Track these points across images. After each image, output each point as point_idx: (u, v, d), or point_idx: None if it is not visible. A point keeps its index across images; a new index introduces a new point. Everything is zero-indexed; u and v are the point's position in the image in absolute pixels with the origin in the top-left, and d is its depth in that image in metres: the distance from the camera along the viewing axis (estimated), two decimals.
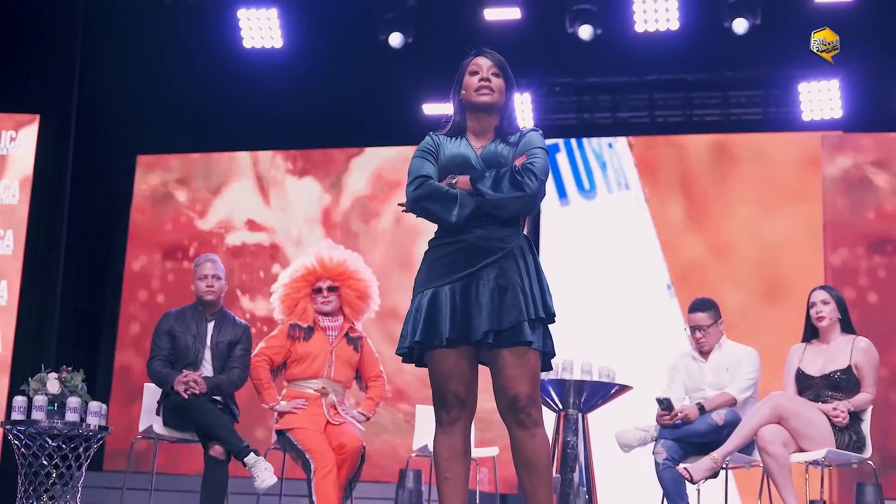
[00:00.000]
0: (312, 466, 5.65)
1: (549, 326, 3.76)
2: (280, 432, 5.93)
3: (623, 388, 6.86)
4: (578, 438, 6.72)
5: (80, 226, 10.19)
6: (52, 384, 5.87)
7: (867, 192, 9.66)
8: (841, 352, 5.91)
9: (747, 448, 5.89)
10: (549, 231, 10.19)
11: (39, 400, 5.84)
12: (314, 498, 5.57)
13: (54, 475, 5.84)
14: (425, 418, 6.70)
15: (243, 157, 10.95)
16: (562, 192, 10.28)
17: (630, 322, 9.74)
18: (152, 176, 11.08)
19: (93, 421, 5.90)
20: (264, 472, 5.69)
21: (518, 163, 3.74)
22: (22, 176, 9.57)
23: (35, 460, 5.83)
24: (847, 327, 6.01)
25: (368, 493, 7.87)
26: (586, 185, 10.26)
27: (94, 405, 5.94)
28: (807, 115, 9.90)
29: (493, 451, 6.90)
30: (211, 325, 6.26)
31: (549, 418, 6.94)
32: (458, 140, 3.86)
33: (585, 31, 9.55)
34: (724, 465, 5.85)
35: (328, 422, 5.88)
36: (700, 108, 10.50)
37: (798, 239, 9.64)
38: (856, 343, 5.91)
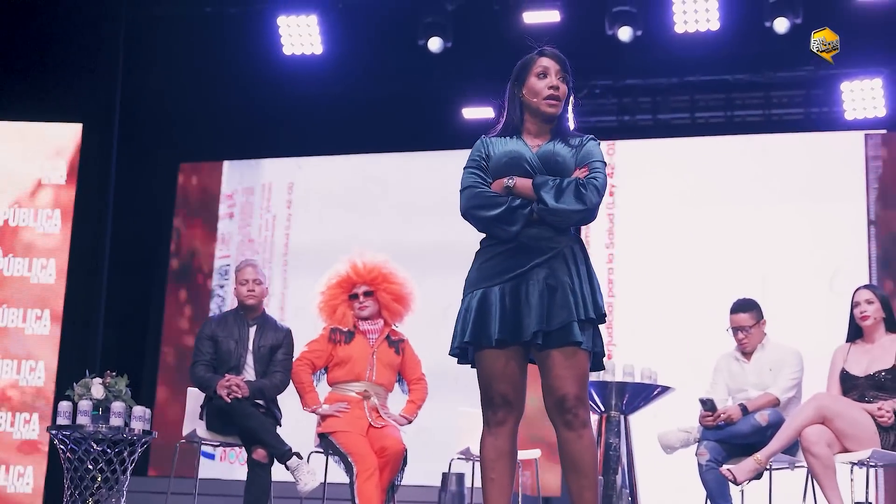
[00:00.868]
0: (355, 470, 5.67)
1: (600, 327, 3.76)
2: (322, 435, 5.96)
3: (665, 390, 6.83)
4: (621, 440, 6.71)
5: (124, 232, 10.28)
6: (97, 389, 5.93)
7: None
8: (886, 352, 5.85)
9: (791, 449, 5.84)
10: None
11: (84, 405, 5.90)
12: (357, 501, 5.58)
13: (99, 479, 5.90)
14: (468, 421, 6.69)
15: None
16: None
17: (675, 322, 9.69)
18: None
19: (137, 425, 5.96)
20: (307, 476, 5.72)
21: (579, 174, 3.72)
22: (66, 180, 9.64)
23: (80, 465, 5.89)
24: (892, 326, 5.94)
25: (411, 496, 7.88)
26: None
27: (138, 410, 5.99)
28: (850, 115, 9.81)
29: (535, 453, 6.88)
30: (253, 330, 6.29)
31: (591, 420, 6.96)
32: (512, 139, 3.85)
33: (625, 33, 9.50)
34: (767, 466, 5.81)
35: (370, 425, 5.90)
36: (741, 109, 10.44)
37: (842, 237, 9.55)
38: None
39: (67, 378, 6.47)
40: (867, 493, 5.94)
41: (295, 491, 5.79)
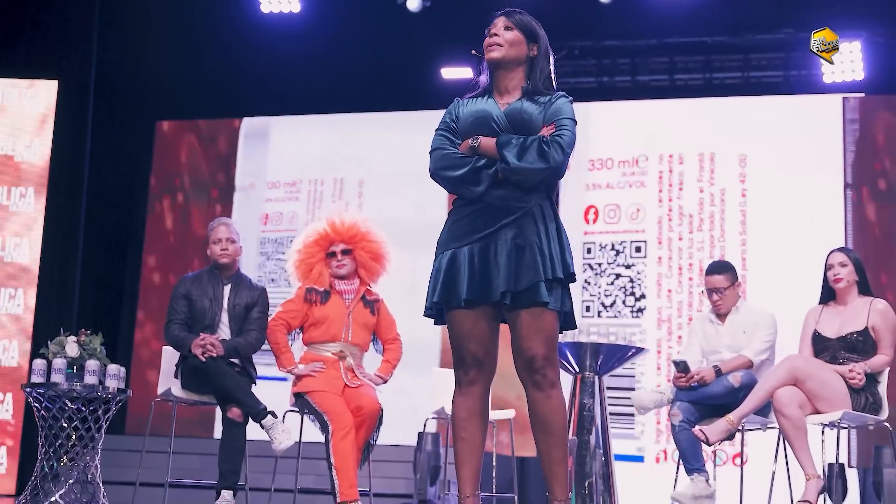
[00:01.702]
0: (330, 428, 5.68)
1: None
2: (298, 395, 5.96)
3: (639, 351, 6.87)
4: (595, 401, 6.73)
5: (100, 191, 10.24)
6: (71, 347, 5.91)
7: (889, 153, 9.59)
8: (858, 314, 5.89)
9: (763, 410, 5.88)
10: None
11: (58, 363, 5.88)
12: (332, 460, 5.60)
13: (74, 437, 5.89)
14: (443, 381, 6.72)
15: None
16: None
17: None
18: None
19: (111, 384, 5.94)
20: (282, 435, 5.73)
21: (546, 132, 3.71)
22: (41, 137, 9.58)
23: (55, 422, 5.87)
24: (865, 289, 5.98)
25: (386, 455, 7.92)
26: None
27: (113, 368, 5.97)
28: (828, 78, 9.82)
29: (509, 413, 6.91)
30: (227, 288, 6.28)
31: (566, 381, 6.99)
32: (483, 99, 3.85)
33: None
34: (739, 427, 5.86)
35: (346, 384, 5.90)
36: (720, 71, 10.42)
37: (818, 201, 9.58)
38: (873, 305, 5.89)
39: (43, 338, 6.44)
40: (837, 454, 6.00)
41: (270, 450, 5.81)
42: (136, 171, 11.09)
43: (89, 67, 9.76)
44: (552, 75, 3.88)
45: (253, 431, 5.95)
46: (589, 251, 9.89)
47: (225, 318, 6.22)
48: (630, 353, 6.79)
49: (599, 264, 9.89)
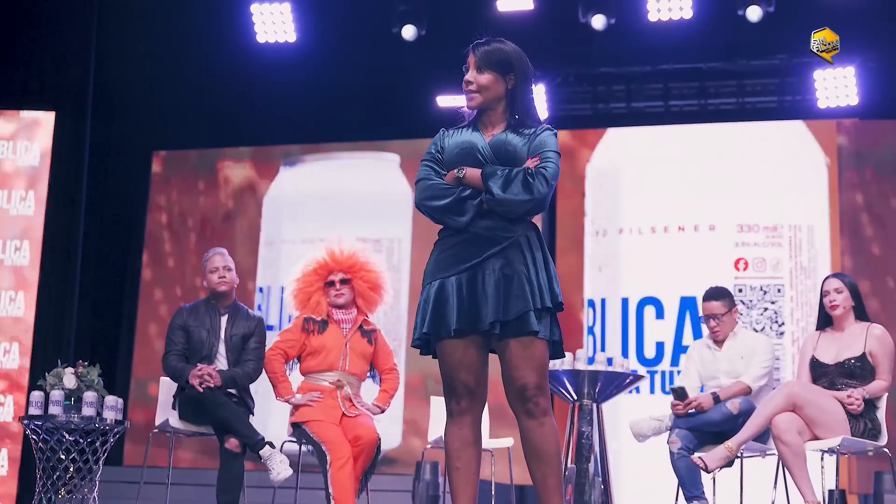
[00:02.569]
0: (328, 458, 5.67)
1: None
2: (296, 425, 5.95)
3: (637, 378, 6.86)
4: (593, 428, 6.72)
5: (97, 222, 10.24)
6: (69, 379, 5.91)
7: (883, 178, 9.62)
8: (855, 339, 5.90)
9: (762, 436, 5.89)
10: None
11: (56, 395, 5.88)
12: (330, 490, 5.59)
13: (72, 469, 5.88)
14: (440, 410, 6.71)
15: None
16: None
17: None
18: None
19: (109, 415, 5.94)
20: (280, 465, 5.72)
21: (530, 164, 3.72)
22: (39, 170, 9.55)
23: (53, 454, 5.87)
24: (861, 315, 5.99)
25: (385, 485, 7.89)
26: None
27: (111, 399, 5.97)
28: (822, 103, 9.86)
29: (507, 441, 6.90)
30: (224, 319, 6.29)
31: (564, 409, 6.98)
32: (468, 130, 3.86)
33: (599, 21, 9.52)
34: (738, 454, 5.85)
35: (343, 414, 5.90)
36: (715, 97, 10.46)
37: (813, 225, 9.59)
38: (870, 330, 5.89)
39: (41, 371, 6.43)
40: (837, 480, 6.00)
41: (268, 480, 5.79)
42: (134, 201, 11.08)
43: (87, 98, 9.77)
44: (533, 100, 3.88)
45: (251, 461, 5.94)
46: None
47: (222, 348, 6.23)
48: (627, 381, 6.78)
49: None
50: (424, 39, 9.85)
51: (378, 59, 10.20)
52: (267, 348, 6.20)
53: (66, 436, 5.87)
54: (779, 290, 9.51)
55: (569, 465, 6.68)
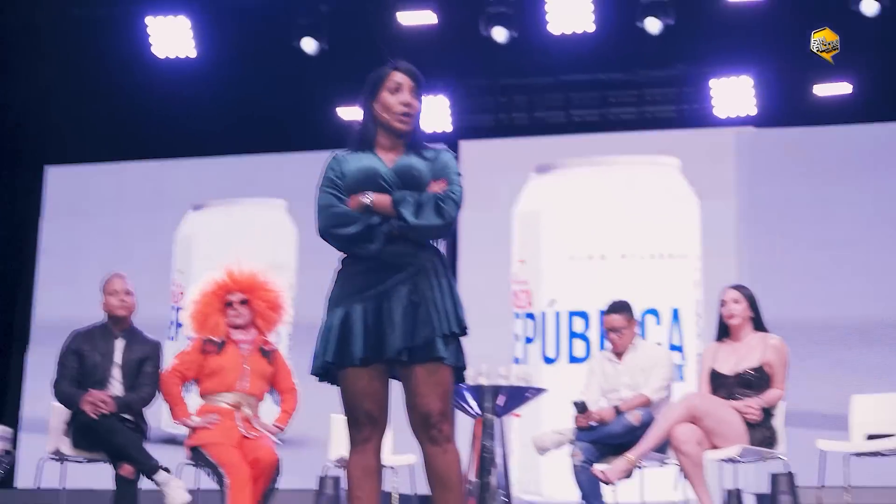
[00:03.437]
0: (227, 481, 5.58)
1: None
2: (194, 448, 5.85)
3: (538, 391, 6.87)
4: (495, 442, 6.71)
5: None
6: None
7: (781, 186, 9.76)
8: (753, 350, 5.96)
9: (662, 447, 5.92)
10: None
11: None
12: None
13: None
14: (341, 429, 6.64)
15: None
16: None
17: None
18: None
19: None
20: (176, 491, 5.62)
21: (436, 188, 3.68)
22: None
23: None
24: (759, 325, 6.06)
25: (286, 501, 7.78)
26: None
27: (0, 429, 5.82)
28: (720, 112, 9.99)
29: (409, 459, 6.87)
30: (120, 343, 6.17)
31: (466, 424, 6.96)
32: (366, 153, 3.78)
33: (500, 34, 9.55)
34: (639, 465, 5.89)
35: (243, 436, 5.81)
36: (616, 107, 10.54)
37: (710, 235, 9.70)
38: (767, 341, 5.97)
39: None
40: (736, 480, 6.06)
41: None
42: (25, 216, 10.84)
43: None
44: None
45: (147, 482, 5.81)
46: None
47: (117, 373, 6.10)
48: (528, 395, 6.78)
49: None
50: (326, 53, 9.79)
51: (279, 73, 10.11)
52: (163, 370, 6.09)
53: None
54: None
55: (472, 478, 6.66)
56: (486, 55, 9.98)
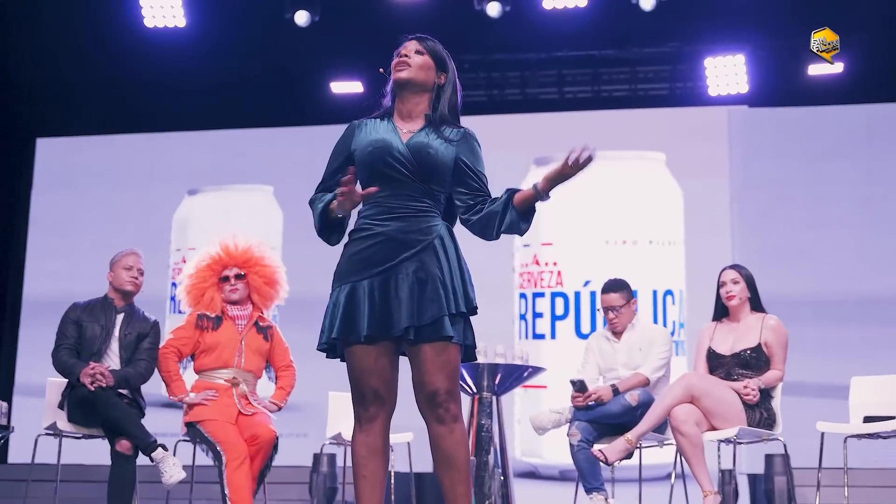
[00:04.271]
0: (224, 458, 5.55)
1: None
2: (190, 424, 5.81)
3: (536, 370, 6.86)
4: (493, 421, 6.71)
5: None
6: None
7: (773, 165, 9.76)
8: (750, 330, 5.96)
9: (661, 427, 5.92)
10: None
11: None
12: (226, 490, 5.47)
13: None
14: (339, 405, 6.62)
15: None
16: None
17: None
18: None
19: None
20: (172, 468, 5.56)
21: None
22: None
23: None
24: (757, 306, 6.05)
25: (282, 477, 7.77)
26: None
27: None
28: (713, 90, 9.96)
29: (407, 436, 6.85)
30: (120, 317, 6.12)
31: (464, 401, 6.95)
32: (383, 122, 3.75)
33: (494, 9, 9.48)
34: (637, 446, 5.88)
35: (240, 412, 5.78)
36: (608, 84, 10.51)
37: (703, 215, 9.70)
38: (765, 321, 5.96)
39: None
40: (734, 466, 6.06)
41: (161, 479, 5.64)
42: (16, 189, 10.74)
43: None
44: (458, 108, 3.82)
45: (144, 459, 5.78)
46: None
47: (115, 346, 6.05)
48: (527, 373, 6.78)
49: None
50: (318, 25, 9.69)
51: (271, 46, 10.02)
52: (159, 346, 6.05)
53: None
54: None
55: (469, 457, 6.65)
56: (479, 30, 9.91)
